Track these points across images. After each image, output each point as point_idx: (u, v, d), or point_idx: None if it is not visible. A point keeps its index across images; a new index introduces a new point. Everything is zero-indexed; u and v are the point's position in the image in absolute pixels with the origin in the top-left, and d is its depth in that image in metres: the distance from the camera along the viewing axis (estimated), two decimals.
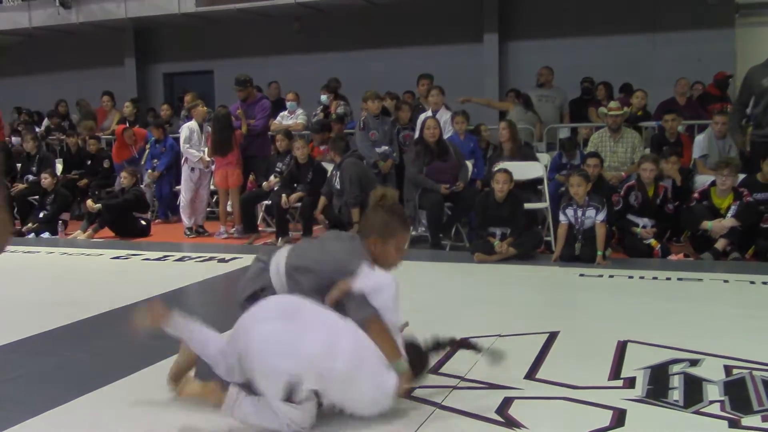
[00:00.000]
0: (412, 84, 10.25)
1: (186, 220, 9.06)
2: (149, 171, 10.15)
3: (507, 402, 3.05)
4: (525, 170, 7.79)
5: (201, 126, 9.16)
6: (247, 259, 6.97)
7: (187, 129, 9.12)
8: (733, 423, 2.87)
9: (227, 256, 7.16)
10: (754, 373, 3.40)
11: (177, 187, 9.78)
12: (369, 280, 2.86)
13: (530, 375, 3.42)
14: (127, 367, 3.62)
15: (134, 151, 10.45)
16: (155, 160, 10.11)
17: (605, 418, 2.92)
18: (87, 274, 6.74)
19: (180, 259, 7.21)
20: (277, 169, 8.49)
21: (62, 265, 7.22)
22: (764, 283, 5.55)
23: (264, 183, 8.59)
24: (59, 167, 10.81)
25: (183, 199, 9.13)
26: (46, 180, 9.32)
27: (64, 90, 14.09)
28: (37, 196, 9.59)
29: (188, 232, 8.98)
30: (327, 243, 3.21)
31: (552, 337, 4.03)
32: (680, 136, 8.23)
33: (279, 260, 3.11)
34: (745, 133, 8.06)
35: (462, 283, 5.97)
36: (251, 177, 9.20)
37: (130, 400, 3.23)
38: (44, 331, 4.43)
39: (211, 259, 7.11)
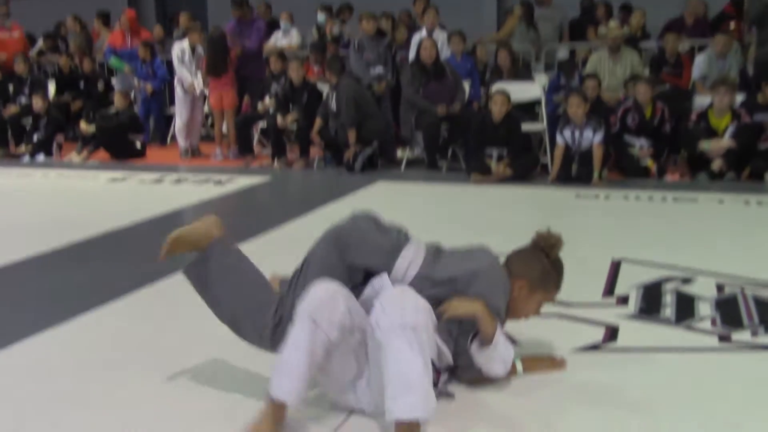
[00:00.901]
0: (407, 3, 10.04)
1: (182, 142, 9.01)
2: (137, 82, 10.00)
3: None
4: (522, 91, 7.73)
5: (193, 49, 8.97)
6: (242, 181, 7.04)
7: (179, 48, 8.94)
8: (723, 338, 2.93)
9: (223, 178, 7.18)
10: (745, 290, 3.45)
11: (172, 108, 9.69)
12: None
13: None
14: (126, 287, 3.66)
15: (128, 42, 10.17)
16: (142, 81, 9.95)
17: (598, 333, 2.98)
18: (84, 196, 6.74)
19: (177, 181, 7.21)
20: (273, 91, 8.41)
21: (59, 187, 7.21)
22: (758, 203, 5.59)
23: (259, 105, 8.52)
24: (52, 89, 10.66)
25: (178, 122, 9.06)
26: (37, 104, 9.21)
27: (56, 11, 13.74)
28: (30, 119, 9.49)
29: (184, 154, 8.95)
30: (475, 258, 2.52)
31: None
32: (680, 57, 8.11)
33: (413, 261, 2.47)
34: (747, 53, 7.96)
35: (458, 204, 5.98)
36: (246, 99, 9.12)
37: (129, 319, 3.29)
38: (43, 252, 4.46)
39: (207, 180, 7.11)
